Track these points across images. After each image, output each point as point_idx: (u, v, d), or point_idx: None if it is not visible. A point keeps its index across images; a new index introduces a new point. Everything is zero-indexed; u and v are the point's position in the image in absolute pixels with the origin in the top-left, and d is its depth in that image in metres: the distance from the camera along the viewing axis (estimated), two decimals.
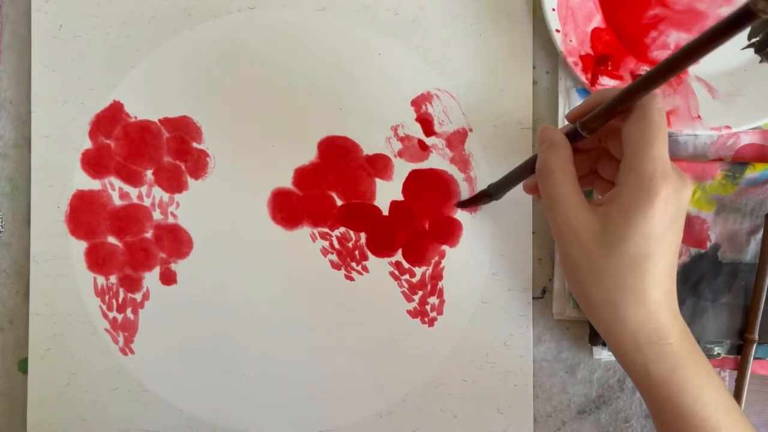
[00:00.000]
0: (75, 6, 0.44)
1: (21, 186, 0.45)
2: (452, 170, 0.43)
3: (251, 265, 0.44)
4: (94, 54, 0.44)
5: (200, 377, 0.44)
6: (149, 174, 0.44)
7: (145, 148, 0.44)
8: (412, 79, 0.43)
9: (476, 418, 0.43)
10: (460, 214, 0.43)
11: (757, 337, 0.40)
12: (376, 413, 0.44)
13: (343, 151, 0.43)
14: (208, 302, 0.44)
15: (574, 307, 0.42)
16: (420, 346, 0.43)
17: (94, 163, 0.44)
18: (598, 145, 0.35)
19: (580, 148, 0.34)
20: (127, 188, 0.44)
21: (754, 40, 0.41)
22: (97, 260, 0.44)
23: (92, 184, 0.44)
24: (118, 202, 0.44)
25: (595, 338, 0.41)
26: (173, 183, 0.44)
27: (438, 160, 0.43)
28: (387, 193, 0.43)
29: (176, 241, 0.44)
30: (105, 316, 0.44)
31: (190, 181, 0.44)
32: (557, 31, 0.41)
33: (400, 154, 0.43)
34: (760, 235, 0.40)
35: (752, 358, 0.40)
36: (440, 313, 0.43)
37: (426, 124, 0.43)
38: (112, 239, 0.44)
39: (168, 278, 0.44)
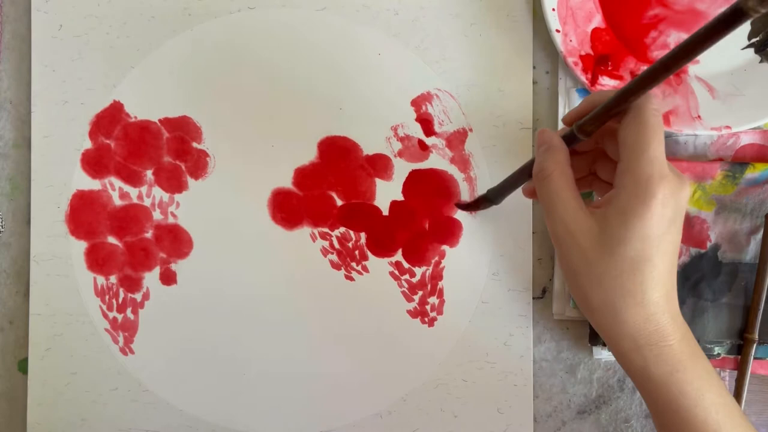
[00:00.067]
0: (75, 6, 0.44)
1: (21, 186, 0.45)
2: (452, 170, 0.43)
3: (251, 265, 0.44)
4: (94, 54, 0.44)
5: (200, 377, 0.44)
6: (149, 174, 0.44)
7: (145, 148, 0.44)
8: (412, 79, 0.43)
9: (476, 418, 0.43)
10: (460, 214, 0.43)
11: (757, 337, 0.40)
12: (376, 413, 0.44)
13: (343, 151, 0.43)
14: (208, 302, 0.44)
15: (574, 307, 0.42)
16: (420, 346, 0.43)
17: (94, 163, 0.44)
18: (596, 147, 0.35)
19: (578, 150, 0.34)
20: (127, 188, 0.44)
21: (754, 40, 0.41)
22: (97, 260, 0.44)
23: (92, 184, 0.44)
24: (118, 202, 0.44)
25: (595, 338, 0.41)
26: (173, 183, 0.44)
27: (438, 160, 0.43)
28: (387, 193, 0.43)
29: (176, 241, 0.44)
30: (105, 316, 0.44)
31: (190, 181, 0.44)
32: (557, 31, 0.41)
33: (400, 154, 0.43)
34: (760, 235, 0.40)
35: (752, 358, 0.40)
36: (440, 313, 0.43)
37: (426, 124, 0.43)
38: (112, 239, 0.44)
39: (168, 278, 0.44)
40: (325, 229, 0.44)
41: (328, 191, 0.44)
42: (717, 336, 0.40)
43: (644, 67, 0.42)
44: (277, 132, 0.44)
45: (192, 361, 0.44)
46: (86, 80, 0.44)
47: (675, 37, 0.41)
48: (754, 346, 0.40)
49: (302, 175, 0.44)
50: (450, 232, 0.43)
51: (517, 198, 0.43)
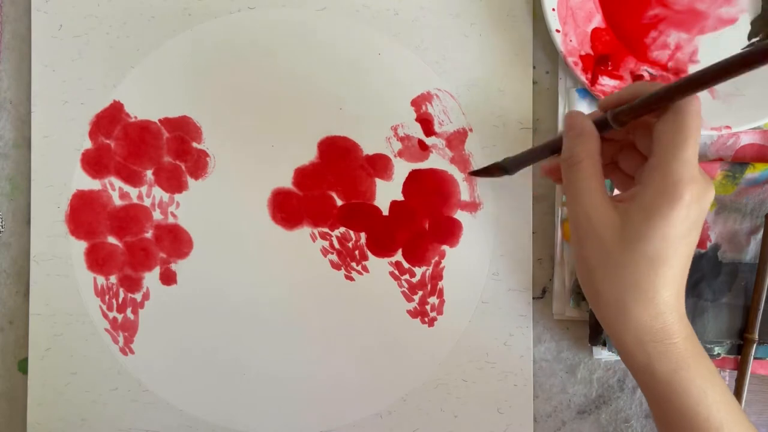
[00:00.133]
0: (75, 6, 0.44)
1: (21, 186, 0.45)
2: (452, 170, 0.43)
3: (251, 265, 0.44)
4: (94, 54, 0.44)
5: (200, 377, 0.44)
6: (149, 174, 0.44)
7: (145, 148, 0.44)
8: (412, 79, 0.43)
9: (476, 418, 0.43)
10: (460, 214, 0.43)
11: (757, 337, 0.40)
12: (376, 413, 0.44)
13: (343, 151, 0.43)
14: (208, 302, 0.44)
15: (574, 307, 0.42)
16: (420, 346, 0.43)
17: (94, 163, 0.44)
18: (624, 137, 0.34)
19: (605, 137, 0.34)
20: (127, 188, 0.44)
21: (754, 40, 0.41)
22: (97, 260, 0.44)
23: (92, 184, 0.44)
24: (118, 202, 0.44)
25: (595, 338, 0.41)
26: (173, 183, 0.44)
27: (438, 160, 0.43)
28: (387, 193, 0.43)
29: (176, 241, 0.44)
30: (105, 316, 0.44)
31: (190, 181, 0.44)
32: (557, 31, 0.41)
33: (400, 154, 0.43)
34: (760, 235, 0.40)
35: (752, 358, 0.40)
36: (440, 313, 0.43)
37: (426, 124, 0.43)
38: (112, 239, 0.44)
39: (168, 278, 0.44)
40: (325, 229, 0.44)
41: (328, 191, 0.44)
42: (717, 336, 0.40)
43: (644, 67, 0.42)
44: (277, 132, 0.44)
45: (192, 361, 0.44)
46: (86, 80, 0.44)
47: (675, 37, 0.41)
48: (754, 346, 0.40)
49: (302, 175, 0.44)
50: (450, 232, 0.43)
51: (518, 198, 0.43)
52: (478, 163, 0.43)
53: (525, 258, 0.43)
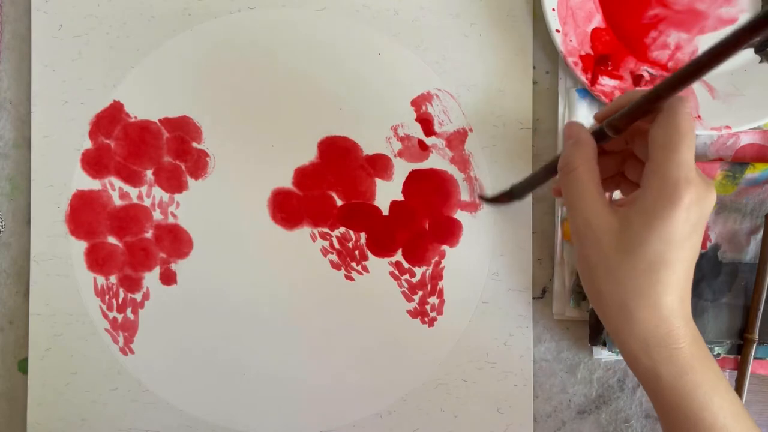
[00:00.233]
0: (75, 6, 0.44)
1: (21, 186, 0.45)
2: (452, 170, 0.43)
3: (251, 265, 0.44)
4: (94, 54, 0.44)
5: (200, 377, 0.44)
6: (149, 174, 0.44)
7: (145, 148, 0.44)
8: (412, 79, 0.43)
9: (476, 418, 0.43)
10: (460, 214, 0.43)
11: (757, 337, 0.40)
12: (376, 413, 0.44)
13: (343, 151, 0.43)
14: (208, 302, 0.44)
15: (574, 307, 0.42)
16: (420, 346, 0.43)
17: (94, 163, 0.44)
18: (625, 147, 0.34)
19: (607, 149, 0.34)
20: (127, 188, 0.44)
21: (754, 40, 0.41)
22: (97, 260, 0.44)
23: (92, 184, 0.44)
24: (118, 202, 0.44)
25: (595, 338, 0.41)
26: (173, 183, 0.44)
27: (438, 160, 0.43)
28: (387, 193, 0.43)
29: (176, 241, 0.44)
30: (105, 316, 0.44)
31: (190, 181, 0.44)
32: (557, 31, 0.41)
33: (400, 154, 0.43)
34: (760, 235, 0.40)
35: (752, 358, 0.40)
36: (440, 313, 0.43)
37: (426, 124, 0.43)
38: (112, 239, 0.44)
39: (168, 278, 0.44)
40: (325, 229, 0.44)
41: (328, 191, 0.44)
42: (717, 336, 0.40)
43: (644, 67, 0.42)
44: (277, 132, 0.44)
45: (192, 361, 0.44)
46: (86, 80, 0.44)
47: (675, 37, 0.41)
48: (754, 346, 0.40)
49: (302, 175, 0.44)
50: (450, 232, 0.43)
51: None
52: (478, 163, 0.43)
53: (525, 258, 0.43)
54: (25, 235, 0.45)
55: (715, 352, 0.41)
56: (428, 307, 0.43)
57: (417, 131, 0.43)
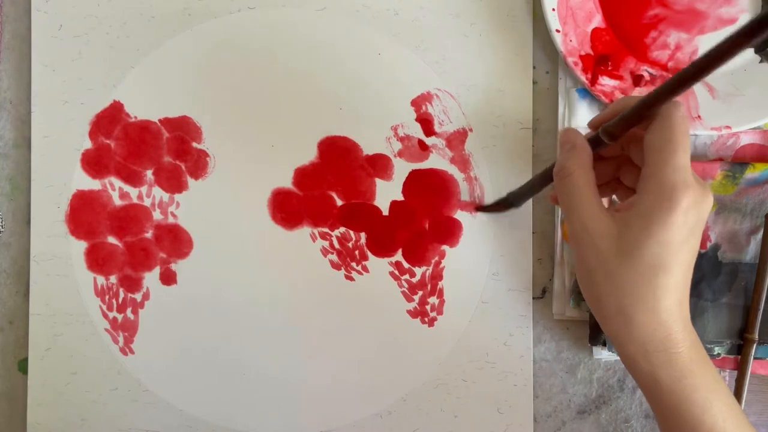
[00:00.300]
0: (75, 6, 0.44)
1: (21, 186, 0.45)
2: (452, 170, 0.43)
3: (251, 265, 0.44)
4: (94, 54, 0.44)
5: (200, 377, 0.44)
6: (149, 174, 0.44)
7: (145, 148, 0.44)
8: (412, 79, 0.43)
9: (476, 418, 0.43)
10: (460, 214, 0.43)
11: (757, 337, 0.40)
12: (376, 413, 0.44)
13: (343, 151, 0.43)
14: (208, 302, 0.44)
15: (574, 307, 0.42)
16: (420, 346, 0.43)
17: (94, 163, 0.44)
18: (621, 153, 0.34)
19: (604, 155, 0.34)
20: (127, 188, 0.44)
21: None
22: (97, 260, 0.44)
23: (92, 184, 0.44)
24: (118, 202, 0.44)
25: (595, 338, 0.41)
26: (173, 183, 0.44)
27: (438, 160, 0.43)
28: (387, 193, 0.43)
29: (176, 241, 0.44)
30: (105, 316, 0.44)
31: (190, 181, 0.44)
32: (557, 31, 0.41)
33: (400, 154, 0.43)
34: (760, 235, 0.40)
35: (752, 358, 0.40)
36: (440, 313, 0.43)
37: (426, 124, 0.43)
38: (112, 239, 0.44)
39: (168, 278, 0.44)
40: (325, 229, 0.44)
41: (328, 191, 0.44)
42: (717, 336, 0.40)
43: (644, 67, 0.42)
44: (277, 132, 0.44)
45: (192, 361, 0.44)
46: (86, 80, 0.44)
47: (675, 37, 0.41)
48: (754, 346, 0.40)
49: (302, 175, 0.44)
50: (450, 232, 0.43)
51: None
52: (478, 163, 0.43)
53: (525, 258, 0.43)
54: (25, 235, 0.45)
55: (715, 352, 0.41)
56: (428, 307, 0.43)
57: (417, 131, 0.43)
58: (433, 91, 0.43)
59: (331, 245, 0.44)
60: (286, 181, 0.44)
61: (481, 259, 0.43)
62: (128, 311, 0.44)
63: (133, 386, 0.44)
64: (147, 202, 0.44)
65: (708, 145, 0.42)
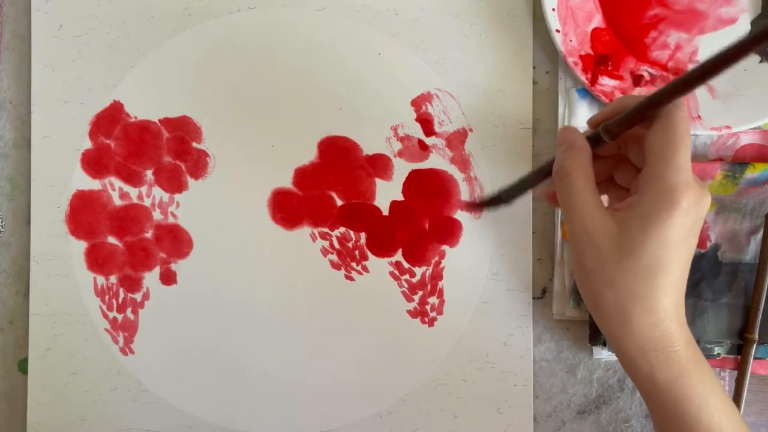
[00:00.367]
0: (75, 6, 0.44)
1: (21, 186, 0.45)
2: (452, 170, 0.43)
3: (251, 265, 0.44)
4: (94, 54, 0.44)
5: (200, 377, 0.44)
6: (149, 174, 0.44)
7: (145, 148, 0.44)
8: (412, 79, 0.43)
9: (476, 418, 0.43)
10: (460, 214, 0.43)
11: (757, 337, 0.40)
12: (376, 413, 0.44)
13: (343, 151, 0.44)
14: (208, 302, 0.44)
15: (574, 307, 0.42)
16: (420, 346, 0.43)
17: (94, 163, 0.44)
18: (618, 153, 0.34)
19: (599, 154, 0.34)
20: (127, 188, 0.44)
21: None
22: (97, 260, 0.44)
23: (92, 184, 0.44)
24: (118, 202, 0.44)
25: (595, 338, 0.41)
26: (173, 183, 0.44)
27: (438, 160, 0.43)
28: (387, 193, 0.43)
29: (176, 241, 0.44)
30: (105, 316, 0.44)
31: (190, 181, 0.44)
32: (557, 31, 0.41)
33: (400, 154, 0.43)
34: (760, 235, 0.40)
35: (752, 358, 0.40)
36: (440, 313, 0.43)
37: (426, 124, 0.43)
38: (112, 239, 0.44)
39: (168, 278, 0.44)
40: (325, 229, 0.44)
41: (328, 191, 0.44)
42: (717, 336, 0.40)
43: (644, 67, 0.42)
44: (277, 132, 0.44)
45: (192, 361, 0.44)
46: (86, 80, 0.44)
47: (675, 37, 0.41)
48: (754, 346, 0.40)
49: (302, 175, 0.44)
50: (450, 232, 0.43)
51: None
52: (478, 163, 0.43)
53: (525, 258, 0.43)
54: (25, 235, 0.45)
55: (715, 352, 0.41)
56: (428, 307, 0.43)
57: (417, 131, 0.43)
58: (433, 91, 0.43)
59: (331, 245, 0.44)
60: (286, 181, 0.44)
61: (481, 259, 0.43)
62: (128, 311, 0.44)
63: (133, 386, 0.44)
64: (147, 202, 0.44)
65: (708, 145, 0.42)
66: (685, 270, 0.30)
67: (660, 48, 0.42)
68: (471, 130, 0.43)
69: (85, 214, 0.44)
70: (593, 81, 0.41)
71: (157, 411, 0.44)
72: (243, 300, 0.44)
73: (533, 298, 0.43)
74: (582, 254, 0.31)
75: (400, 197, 0.43)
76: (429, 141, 0.43)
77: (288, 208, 0.44)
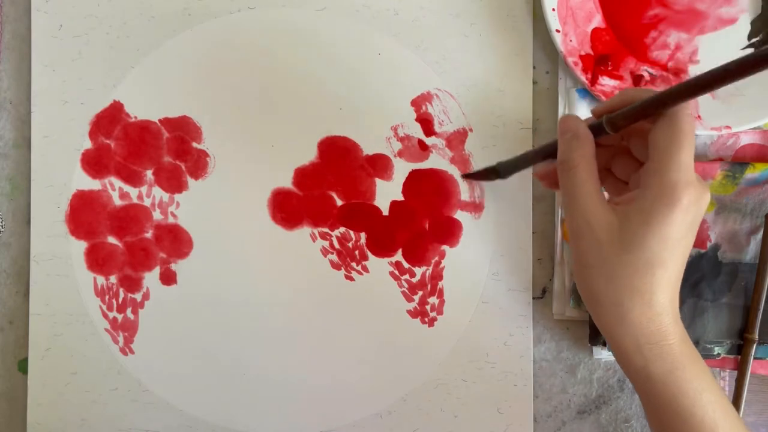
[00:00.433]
0: (75, 6, 0.44)
1: (21, 186, 0.45)
2: (452, 170, 0.43)
3: (251, 265, 0.44)
4: (94, 54, 0.44)
5: (200, 377, 0.44)
6: (149, 174, 0.44)
7: (145, 148, 0.44)
8: (412, 79, 0.43)
9: (476, 418, 0.43)
10: (460, 214, 0.43)
11: (757, 337, 0.40)
12: (376, 413, 0.44)
13: (343, 151, 0.43)
14: (208, 302, 0.44)
15: (574, 307, 0.42)
16: (420, 346, 0.43)
17: (94, 163, 0.44)
18: (618, 143, 0.34)
19: (599, 143, 0.34)
20: (127, 188, 0.44)
21: (754, 40, 0.41)
22: (97, 260, 0.44)
23: (92, 184, 0.44)
24: (118, 202, 0.44)
25: (595, 338, 0.41)
26: (173, 183, 0.44)
27: (438, 160, 0.43)
28: (387, 193, 0.43)
29: (176, 241, 0.44)
30: (105, 316, 0.44)
31: (190, 181, 0.44)
32: (557, 31, 0.41)
33: (400, 154, 0.43)
34: (760, 235, 0.40)
35: (752, 358, 0.40)
36: (440, 313, 0.43)
37: (426, 124, 0.43)
38: (112, 239, 0.44)
39: (168, 278, 0.44)
40: (325, 229, 0.44)
41: (328, 191, 0.44)
42: (717, 336, 0.40)
43: (644, 67, 0.42)
44: (277, 132, 0.44)
45: (192, 361, 0.44)
46: (86, 80, 0.44)
47: (675, 37, 0.41)
48: (754, 346, 0.40)
49: (302, 175, 0.44)
50: (450, 232, 0.43)
51: (517, 198, 0.43)
52: (478, 164, 0.43)
53: (525, 258, 0.43)
54: (25, 235, 0.45)
55: (715, 352, 0.41)
56: (428, 307, 0.43)
57: (417, 131, 0.43)
58: (433, 91, 0.43)
59: (331, 245, 0.44)
60: (286, 181, 0.44)
61: (481, 259, 0.43)
62: (128, 311, 0.44)
63: (133, 386, 0.44)
64: (147, 202, 0.44)
65: (708, 145, 0.42)
66: (682, 266, 0.31)
67: (660, 48, 0.42)
68: (471, 130, 0.43)
69: (85, 214, 0.44)
70: (593, 81, 0.41)
71: (157, 411, 0.44)
72: (243, 300, 0.44)
73: (533, 298, 0.43)
74: (582, 247, 0.31)
75: (400, 197, 0.43)
76: (429, 141, 0.43)
77: (288, 208, 0.44)
